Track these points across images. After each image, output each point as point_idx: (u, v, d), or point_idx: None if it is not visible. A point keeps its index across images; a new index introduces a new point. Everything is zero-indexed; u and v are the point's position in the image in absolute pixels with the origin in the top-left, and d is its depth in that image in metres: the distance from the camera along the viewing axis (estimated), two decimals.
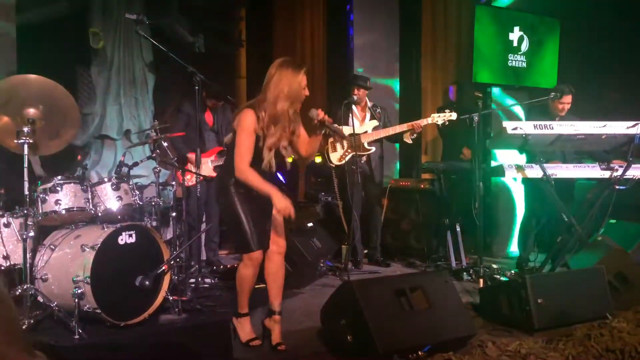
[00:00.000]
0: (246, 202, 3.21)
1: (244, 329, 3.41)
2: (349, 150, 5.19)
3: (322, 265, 4.99)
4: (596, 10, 6.13)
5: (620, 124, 4.17)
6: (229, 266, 5.14)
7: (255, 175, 3.14)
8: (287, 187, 8.67)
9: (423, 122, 5.04)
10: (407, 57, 7.32)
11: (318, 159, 5.40)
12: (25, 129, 3.40)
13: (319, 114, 3.15)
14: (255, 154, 3.17)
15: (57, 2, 6.19)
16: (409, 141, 5.18)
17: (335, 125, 3.28)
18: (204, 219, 5.07)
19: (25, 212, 3.44)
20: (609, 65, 6.16)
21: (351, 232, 5.04)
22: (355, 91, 5.26)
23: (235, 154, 3.16)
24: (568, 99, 4.87)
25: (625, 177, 4.22)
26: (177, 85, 6.82)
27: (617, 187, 4.24)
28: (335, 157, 5.26)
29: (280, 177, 8.59)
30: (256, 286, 4.58)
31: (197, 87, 4.29)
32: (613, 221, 4.70)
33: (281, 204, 3.10)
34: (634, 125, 4.12)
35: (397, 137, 5.25)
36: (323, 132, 3.24)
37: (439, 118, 4.95)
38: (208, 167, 4.98)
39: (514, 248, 5.96)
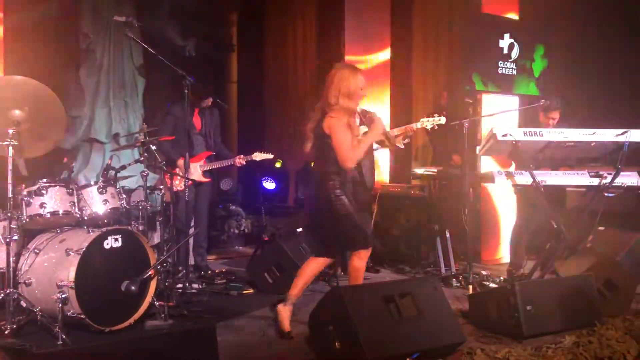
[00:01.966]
0: (349, 201, 3.51)
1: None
2: None
3: None
4: (585, 21, 6.19)
5: (609, 132, 4.18)
6: (217, 271, 5.10)
7: (357, 144, 3.46)
8: (278, 191, 8.68)
9: (413, 126, 5.03)
10: (398, 64, 7.33)
11: None
12: (10, 131, 3.36)
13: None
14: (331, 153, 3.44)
15: (46, 3, 6.14)
16: (401, 146, 5.17)
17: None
18: (192, 224, 5.02)
19: (9, 215, 3.39)
20: (597, 73, 6.20)
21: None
22: None
23: (338, 150, 3.43)
24: (555, 114, 4.88)
25: (614, 184, 4.23)
26: (167, 89, 6.79)
27: (606, 194, 4.25)
28: None
29: (272, 182, 8.59)
30: (244, 292, 4.61)
31: (186, 91, 4.27)
32: (602, 228, 4.71)
33: (379, 129, 3.59)
34: (623, 133, 4.13)
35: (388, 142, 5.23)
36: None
37: (427, 122, 4.94)
38: (197, 171, 4.93)
39: (503, 255, 5.96)
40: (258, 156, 4.96)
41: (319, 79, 8.20)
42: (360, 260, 3.59)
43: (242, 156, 4.94)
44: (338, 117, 3.44)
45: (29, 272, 3.50)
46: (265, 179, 8.48)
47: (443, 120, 4.86)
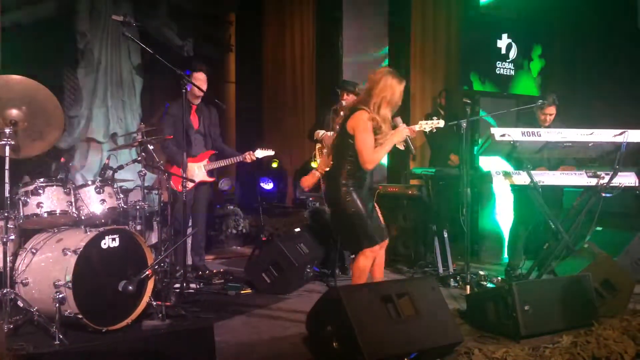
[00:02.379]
0: (360, 199, 3.50)
1: None
2: None
3: (309, 270, 4.95)
4: (583, 21, 6.20)
5: (607, 132, 4.18)
6: (214, 271, 5.09)
7: (380, 147, 3.48)
8: (276, 192, 8.68)
9: (413, 128, 5.03)
10: (396, 64, 7.34)
11: (314, 164, 5.37)
12: (7, 130, 3.35)
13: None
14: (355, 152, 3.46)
15: (43, 2, 6.12)
16: (401, 147, 5.16)
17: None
18: (190, 224, 5.01)
19: (6, 215, 3.38)
20: (596, 73, 6.21)
21: (338, 238, 5.00)
22: (345, 96, 5.24)
23: (360, 152, 3.44)
24: (551, 109, 4.86)
25: (611, 184, 4.23)
26: (165, 89, 6.77)
27: (603, 194, 4.25)
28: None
29: (270, 183, 8.59)
30: (242, 292, 4.60)
31: (184, 90, 4.26)
32: (600, 228, 4.72)
33: (401, 135, 3.58)
34: (620, 133, 4.14)
35: None
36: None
37: (426, 125, 4.93)
38: (202, 171, 4.93)
39: (501, 255, 5.96)
40: (259, 153, 5.01)
41: (317, 79, 8.22)
42: (366, 259, 3.59)
43: (251, 152, 4.98)
44: (364, 119, 3.43)
45: (26, 271, 3.48)
46: (263, 180, 8.49)
47: (442, 123, 4.85)
